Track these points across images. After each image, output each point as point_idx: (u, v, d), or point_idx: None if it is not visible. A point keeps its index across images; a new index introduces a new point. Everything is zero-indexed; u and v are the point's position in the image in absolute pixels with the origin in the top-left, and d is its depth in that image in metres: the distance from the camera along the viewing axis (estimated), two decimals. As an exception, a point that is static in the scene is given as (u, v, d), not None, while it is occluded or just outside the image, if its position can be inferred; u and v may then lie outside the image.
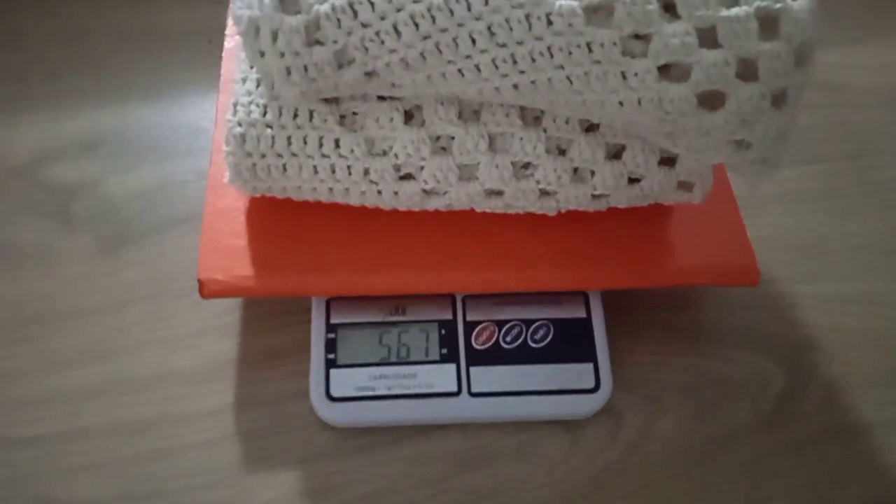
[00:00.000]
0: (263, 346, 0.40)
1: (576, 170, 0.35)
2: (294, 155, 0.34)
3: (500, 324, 0.39)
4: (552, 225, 0.37)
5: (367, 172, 0.35)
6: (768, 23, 0.28)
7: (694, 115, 0.30)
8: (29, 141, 0.47)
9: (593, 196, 0.36)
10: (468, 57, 0.30)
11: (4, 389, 0.39)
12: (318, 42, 0.30)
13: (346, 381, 0.37)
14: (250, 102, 0.34)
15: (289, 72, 0.31)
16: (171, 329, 0.41)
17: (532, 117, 0.35)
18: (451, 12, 0.29)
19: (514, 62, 0.30)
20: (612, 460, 0.38)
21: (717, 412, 0.40)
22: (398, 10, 0.29)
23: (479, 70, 0.30)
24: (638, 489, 0.38)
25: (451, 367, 0.38)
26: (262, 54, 0.30)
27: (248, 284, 0.36)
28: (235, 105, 0.35)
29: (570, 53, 0.29)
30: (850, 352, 0.42)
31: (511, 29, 0.29)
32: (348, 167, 0.35)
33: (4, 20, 0.53)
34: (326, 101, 0.34)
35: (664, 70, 0.29)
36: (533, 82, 0.30)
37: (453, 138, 0.34)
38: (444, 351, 0.38)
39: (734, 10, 0.28)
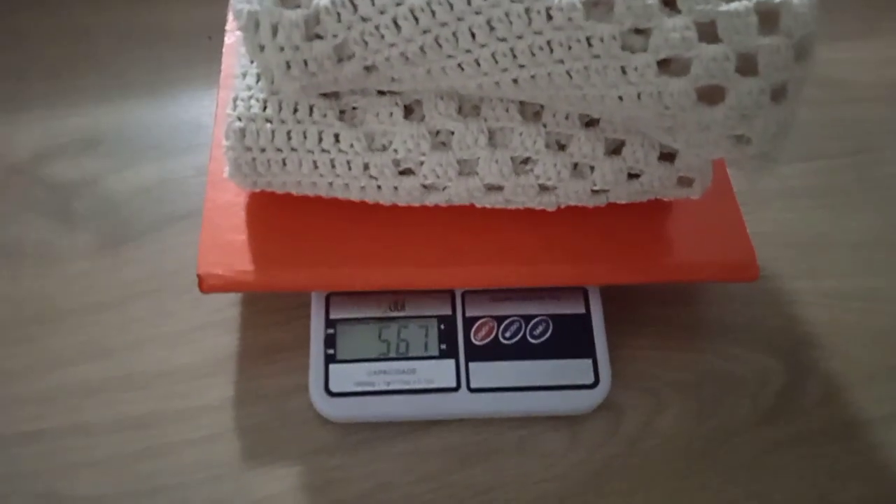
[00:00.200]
0: (263, 341, 0.40)
1: (575, 165, 0.35)
2: (294, 149, 0.34)
3: (499, 319, 0.39)
4: (552, 220, 0.37)
5: (366, 167, 0.35)
6: (768, 17, 0.28)
7: (693, 110, 0.30)
8: (29, 139, 0.47)
9: (593, 191, 0.36)
10: (468, 51, 0.30)
11: (6, 387, 0.39)
12: (318, 36, 0.30)
13: (345, 376, 0.37)
14: (250, 97, 0.34)
15: (288, 66, 0.31)
16: (172, 325, 0.41)
17: (532, 112, 0.35)
18: (451, 6, 0.29)
19: (514, 56, 0.30)
20: (611, 456, 0.38)
21: (717, 408, 0.40)
22: (398, 5, 0.29)
23: (478, 64, 0.30)
24: (637, 485, 0.38)
25: (451, 362, 0.38)
26: (262, 49, 0.30)
27: (248, 279, 0.36)
28: (235, 100, 0.35)
29: (570, 48, 0.29)
30: (850, 348, 0.42)
31: (511, 23, 0.29)
32: (348, 162, 0.35)
33: (5, 19, 0.53)
34: (326, 95, 0.34)
35: (664, 64, 0.29)
36: (532, 77, 0.30)
37: (453, 133, 0.34)
38: (444, 346, 0.38)
39: (734, 5, 0.28)
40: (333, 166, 0.35)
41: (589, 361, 0.38)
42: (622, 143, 0.35)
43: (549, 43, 0.29)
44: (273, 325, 0.41)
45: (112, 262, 0.43)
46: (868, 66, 0.55)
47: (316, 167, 0.35)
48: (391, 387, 0.37)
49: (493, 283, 0.39)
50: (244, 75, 0.35)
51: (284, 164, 0.35)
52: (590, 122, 0.35)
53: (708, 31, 0.28)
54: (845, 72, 0.55)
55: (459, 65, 0.30)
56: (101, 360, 0.40)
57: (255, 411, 0.38)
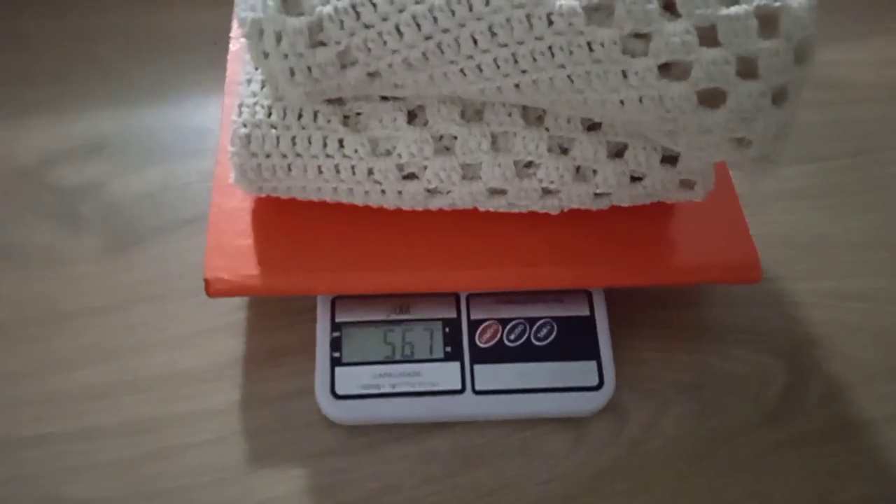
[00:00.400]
0: (269, 344, 0.41)
1: (578, 168, 0.36)
2: (298, 155, 0.35)
3: (503, 322, 0.39)
4: (555, 223, 0.38)
5: (370, 172, 0.35)
6: (768, 21, 0.28)
7: (694, 113, 0.30)
8: (35, 143, 0.48)
9: (595, 195, 0.37)
10: (470, 57, 0.30)
11: (10, 389, 0.39)
12: (322, 43, 0.30)
13: (351, 379, 0.38)
14: (255, 103, 0.35)
15: (292, 73, 0.31)
16: (177, 329, 0.41)
17: (534, 116, 0.35)
18: (453, 13, 0.29)
19: (516, 62, 0.30)
20: (615, 457, 0.38)
21: (720, 409, 0.40)
22: (400, 11, 0.29)
23: (480, 70, 0.30)
24: (641, 486, 0.38)
25: (455, 364, 0.38)
26: (266, 55, 0.31)
27: (254, 283, 0.36)
28: (240, 106, 0.35)
29: (571, 53, 0.29)
30: (852, 348, 0.42)
31: (512, 29, 0.29)
32: (352, 167, 0.35)
33: (10, 23, 0.53)
34: (330, 101, 0.34)
35: (665, 68, 0.29)
36: (534, 82, 0.31)
37: (456, 138, 0.34)
38: (448, 349, 0.38)
39: (734, 9, 0.28)
40: (338, 171, 0.35)
41: (593, 363, 0.39)
42: (624, 147, 0.35)
43: (550, 48, 0.29)
44: (278, 328, 0.41)
45: (117, 266, 0.43)
46: (868, 66, 0.55)
47: (320, 172, 0.35)
48: (396, 389, 0.38)
49: (497, 286, 0.39)
50: (249, 81, 0.36)
51: (289, 169, 0.35)
52: (592, 126, 0.35)
53: (708, 35, 0.28)
54: (845, 73, 0.55)
55: (462, 70, 0.31)
56: (106, 364, 0.40)
57: (260, 414, 0.39)
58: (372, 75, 0.31)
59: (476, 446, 0.38)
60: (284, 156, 0.35)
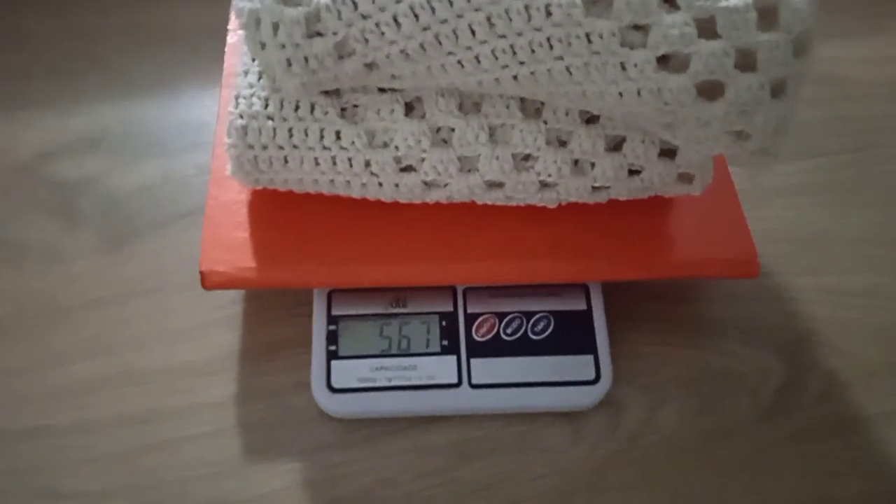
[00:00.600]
0: (265, 338, 0.41)
1: (576, 161, 0.36)
2: (295, 147, 0.35)
3: (500, 316, 0.39)
4: (553, 217, 0.38)
5: (367, 164, 0.35)
6: (767, 13, 0.28)
7: (693, 106, 0.30)
8: (33, 138, 0.48)
9: (594, 188, 0.36)
10: (468, 48, 0.30)
11: (8, 383, 0.39)
12: (319, 33, 0.30)
13: (347, 372, 0.38)
14: (252, 95, 0.35)
15: (289, 63, 0.31)
16: (174, 322, 0.41)
17: (532, 109, 0.35)
18: (451, 3, 0.29)
19: (514, 53, 0.30)
20: (612, 452, 0.38)
21: (718, 404, 0.40)
22: (398, 2, 0.29)
23: (478, 61, 0.30)
24: (638, 480, 0.38)
25: (452, 358, 0.38)
26: (263, 46, 0.31)
27: (250, 276, 0.36)
28: (237, 98, 0.35)
29: (570, 44, 0.29)
30: (851, 344, 0.42)
31: (510, 20, 0.29)
32: (349, 159, 0.35)
33: (7, 18, 0.53)
34: (327, 93, 0.34)
35: (663, 60, 0.29)
36: (532, 73, 0.30)
37: (454, 130, 0.34)
38: (445, 343, 0.38)
39: (733, 1, 0.28)
40: (335, 163, 0.35)
41: (590, 358, 0.39)
42: (622, 140, 0.35)
43: (548, 39, 0.29)
44: (275, 321, 0.41)
45: (114, 260, 0.43)
46: (869, 63, 0.55)
47: (317, 164, 0.35)
48: (393, 383, 0.37)
49: (494, 280, 0.39)
50: (246, 73, 0.35)
51: (286, 161, 0.35)
52: (590, 119, 0.35)
53: (707, 28, 0.28)
54: (846, 69, 0.55)
55: (459, 62, 0.31)
56: (104, 357, 0.40)
57: (256, 408, 0.39)
58: (369, 66, 0.31)
59: (473, 440, 0.38)
60: (281, 147, 0.35)
